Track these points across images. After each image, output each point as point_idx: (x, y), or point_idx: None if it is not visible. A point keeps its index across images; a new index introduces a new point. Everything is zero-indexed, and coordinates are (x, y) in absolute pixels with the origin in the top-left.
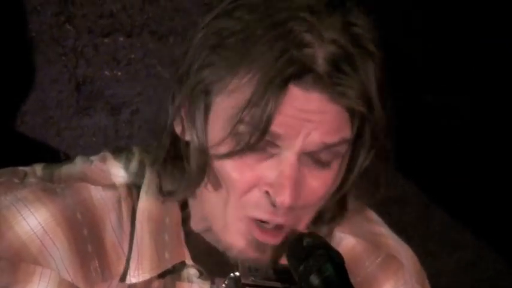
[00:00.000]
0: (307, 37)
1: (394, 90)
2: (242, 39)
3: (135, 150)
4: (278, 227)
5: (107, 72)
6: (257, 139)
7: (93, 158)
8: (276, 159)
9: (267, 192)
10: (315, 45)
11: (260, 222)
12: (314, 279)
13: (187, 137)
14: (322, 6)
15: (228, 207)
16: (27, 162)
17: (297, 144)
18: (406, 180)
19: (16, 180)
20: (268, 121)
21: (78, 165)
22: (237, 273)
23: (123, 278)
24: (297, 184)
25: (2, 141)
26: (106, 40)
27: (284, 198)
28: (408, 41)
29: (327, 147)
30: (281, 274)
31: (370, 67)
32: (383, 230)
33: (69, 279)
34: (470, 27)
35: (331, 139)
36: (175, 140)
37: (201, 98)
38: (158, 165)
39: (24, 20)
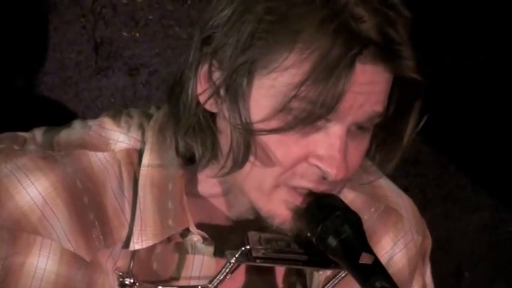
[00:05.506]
0: (359, 10)
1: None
2: (287, 14)
3: (134, 113)
4: None
5: (125, 33)
6: (320, 116)
7: (91, 122)
8: (324, 132)
9: (316, 166)
10: (366, 18)
11: (301, 189)
12: (332, 241)
13: (215, 109)
14: None
15: (269, 178)
16: (46, 123)
17: (349, 117)
18: (424, 142)
19: (16, 147)
20: (339, 99)
21: (77, 130)
22: (248, 247)
23: (126, 244)
24: (345, 156)
25: (21, 101)
26: (124, 1)
27: (338, 171)
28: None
29: (375, 116)
30: (292, 246)
31: (406, 30)
32: (381, 181)
33: (72, 249)
34: None
35: (380, 107)
36: (198, 107)
37: (244, 75)
38: (176, 131)
39: None
